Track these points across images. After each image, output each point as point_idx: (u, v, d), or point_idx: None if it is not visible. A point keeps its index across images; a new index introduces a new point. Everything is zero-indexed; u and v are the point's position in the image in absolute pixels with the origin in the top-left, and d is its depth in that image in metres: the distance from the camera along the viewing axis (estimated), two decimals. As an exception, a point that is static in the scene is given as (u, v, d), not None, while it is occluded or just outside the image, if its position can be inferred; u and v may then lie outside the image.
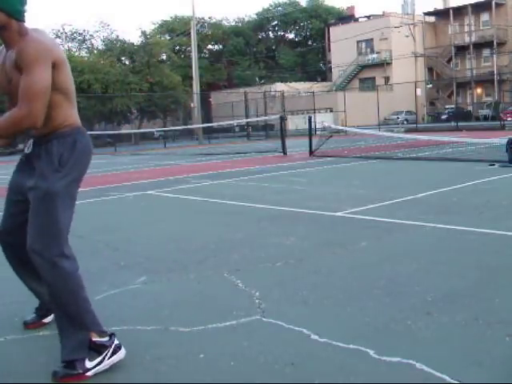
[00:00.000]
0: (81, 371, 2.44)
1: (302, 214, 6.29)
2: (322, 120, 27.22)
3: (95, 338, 2.54)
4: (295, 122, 41.60)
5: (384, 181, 9.28)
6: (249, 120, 34.38)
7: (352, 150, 16.73)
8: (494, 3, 45.50)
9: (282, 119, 18.37)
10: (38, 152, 2.59)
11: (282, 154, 16.57)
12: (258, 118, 32.82)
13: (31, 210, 2.54)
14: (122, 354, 2.57)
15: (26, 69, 2.41)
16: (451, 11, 48.69)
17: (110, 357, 2.53)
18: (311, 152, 15.39)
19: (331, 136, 16.85)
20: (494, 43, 45.63)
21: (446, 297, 3.21)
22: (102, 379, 2.42)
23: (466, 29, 47.92)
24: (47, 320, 3.08)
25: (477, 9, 46.92)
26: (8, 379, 2.48)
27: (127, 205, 8.04)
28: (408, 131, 28.04)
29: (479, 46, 46.99)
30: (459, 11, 48.07)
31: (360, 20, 54.15)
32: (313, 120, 18.59)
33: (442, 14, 50.29)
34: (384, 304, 3.15)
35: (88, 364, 2.48)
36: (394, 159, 13.18)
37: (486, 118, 38.46)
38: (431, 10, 52.61)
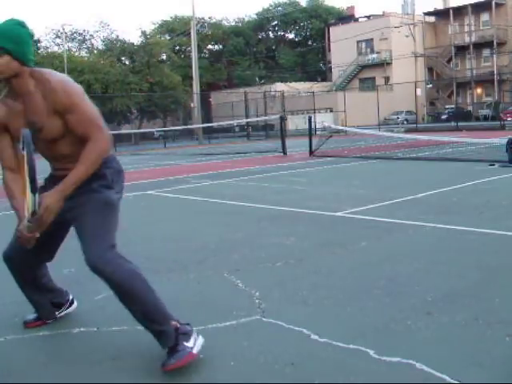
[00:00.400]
0: (187, 350, 2.46)
1: (302, 214, 6.29)
2: (322, 120, 27.24)
3: (178, 325, 2.54)
4: (295, 122, 41.60)
5: (384, 181, 9.28)
6: (249, 120, 34.37)
7: (352, 150, 16.73)
8: (493, 3, 45.49)
9: (282, 119, 18.37)
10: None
11: (282, 154, 16.57)
12: (258, 118, 32.82)
13: (84, 225, 2.58)
14: (201, 340, 2.57)
15: (75, 106, 2.46)
16: (451, 11, 48.68)
17: (197, 341, 2.54)
18: (311, 152, 15.39)
19: (331, 136, 16.86)
20: (494, 43, 45.62)
21: (446, 297, 3.21)
22: (102, 379, 2.42)
23: (466, 29, 47.92)
24: (49, 320, 3.09)
25: (477, 9, 46.92)
26: (8, 379, 2.48)
27: (127, 205, 8.03)
28: (408, 131, 28.04)
29: (479, 46, 46.99)
30: (459, 11, 48.07)
31: (360, 20, 54.14)
32: (313, 120, 18.59)
33: (442, 14, 50.29)
34: (384, 304, 3.15)
35: (188, 344, 2.49)
36: (394, 159, 13.18)
37: (486, 118, 38.45)
38: (431, 9, 52.64)
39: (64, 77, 2.55)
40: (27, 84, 2.49)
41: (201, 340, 2.58)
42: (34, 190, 2.32)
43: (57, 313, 3.13)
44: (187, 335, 2.53)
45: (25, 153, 2.28)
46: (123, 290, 2.53)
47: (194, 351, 2.49)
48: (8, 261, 2.85)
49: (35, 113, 2.49)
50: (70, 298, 3.25)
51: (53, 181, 2.67)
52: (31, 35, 2.50)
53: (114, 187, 2.66)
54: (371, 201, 6.78)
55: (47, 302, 3.05)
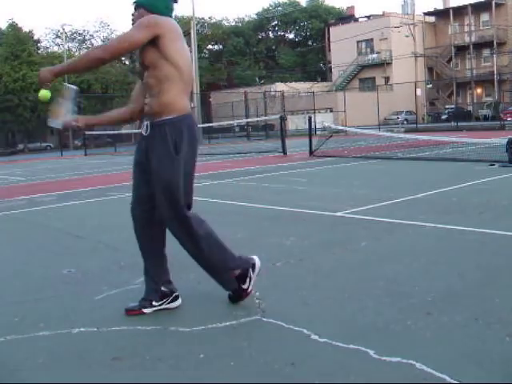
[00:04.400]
0: (244, 287, 3.20)
1: (302, 213, 6.29)
2: (322, 120, 27.24)
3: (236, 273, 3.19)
4: (295, 122, 41.60)
5: (384, 181, 9.27)
6: (249, 120, 34.38)
7: (352, 150, 16.73)
8: (493, 3, 45.50)
9: (282, 119, 18.36)
10: (152, 135, 3.02)
11: (282, 154, 16.57)
12: (258, 118, 32.81)
13: (155, 188, 3.03)
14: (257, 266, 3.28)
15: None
16: (451, 11, 48.70)
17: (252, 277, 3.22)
18: (311, 152, 15.39)
19: (331, 136, 16.85)
20: (494, 43, 45.64)
21: (446, 297, 3.21)
22: (103, 379, 2.42)
23: (466, 29, 47.93)
24: (147, 311, 3.17)
25: (477, 9, 46.93)
26: (8, 379, 2.48)
27: (127, 205, 8.02)
28: (408, 131, 28.03)
29: (479, 46, 47.00)
30: (459, 11, 48.08)
31: (360, 20, 54.16)
32: (313, 120, 18.59)
33: (441, 14, 50.29)
34: (384, 304, 3.15)
35: (244, 286, 3.18)
36: (394, 159, 13.18)
37: (486, 118, 38.43)
38: (431, 9, 52.65)
39: (148, 16, 2.98)
40: None
41: (257, 266, 3.27)
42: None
43: (156, 303, 3.19)
44: (243, 277, 3.18)
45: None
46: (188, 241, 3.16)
47: (249, 290, 3.21)
48: (131, 212, 3.39)
49: None
50: (177, 293, 3.29)
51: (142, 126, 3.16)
52: None
53: (178, 151, 2.96)
54: (371, 201, 6.78)
55: (159, 281, 3.22)
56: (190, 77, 3.06)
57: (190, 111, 3.09)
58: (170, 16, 3.07)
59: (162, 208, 3.06)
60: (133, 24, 3.03)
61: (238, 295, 3.22)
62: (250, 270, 3.22)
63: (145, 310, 3.15)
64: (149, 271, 3.22)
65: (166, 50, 2.92)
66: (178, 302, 3.25)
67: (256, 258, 3.30)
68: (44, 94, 3.04)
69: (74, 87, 3.20)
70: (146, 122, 3.09)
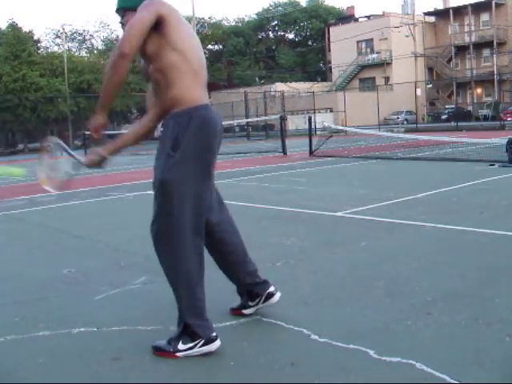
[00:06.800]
0: (171, 350, 2.57)
1: (302, 213, 6.29)
2: (322, 120, 27.22)
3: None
4: (295, 122, 41.58)
5: (384, 181, 9.27)
6: (249, 120, 34.36)
7: (352, 150, 16.72)
8: (493, 3, 45.48)
9: (282, 119, 18.36)
10: (162, 133, 2.68)
11: (282, 154, 16.57)
12: (258, 118, 32.81)
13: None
14: (214, 345, 2.58)
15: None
16: (451, 11, 48.68)
17: (202, 346, 2.57)
18: (311, 152, 15.39)
19: (331, 136, 16.84)
20: (494, 43, 45.62)
21: (446, 297, 3.21)
22: (103, 379, 2.42)
23: (466, 29, 47.91)
24: (248, 311, 3.06)
25: (477, 9, 46.91)
26: (8, 379, 2.48)
27: (127, 205, 8.04)
28: (408, 131, 28.03)
29: (479, 46, 46.98)
30: (459, 11, 48.07)
31: (360, 20, 54.15)
32: (313, 120, 18.59)
33: (442, 14, 50.28)
34: (384, 304, 3.15)
35: (180, 346, 2.57)
36: (394, 159, 13.18)
37: (486, 118, 38.42)
38: (431, 9, 52.63)
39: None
40: None
41: (206, 348, 2.57)
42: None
43: (250, 304, 3.04)
44: (192, 336, 2.58)
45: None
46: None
47: (178, 354, 2.57)
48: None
49: None
50: (271, 289, 3.04)
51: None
52: None
53: (175, 148, 2.53)
54: (371, 201, 6.78)
55: (242, 285, 3.04)
56: (200, 64, 2.66)
57: (205, 102, 2.65)
58: None
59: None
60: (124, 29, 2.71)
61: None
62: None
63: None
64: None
65: (169, 34, 2.56)
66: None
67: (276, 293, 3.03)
68: (18, 172, 2.80)
69: (54, 140, 2.99)
70: (159, 126, 2.80)
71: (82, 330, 3.01)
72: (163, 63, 2.57)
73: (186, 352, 2.56)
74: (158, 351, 2.62)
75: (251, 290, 3.01)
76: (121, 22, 2.78)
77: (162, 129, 2.69)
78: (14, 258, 4.97)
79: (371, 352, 2.50)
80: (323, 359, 2.48)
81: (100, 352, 2.70)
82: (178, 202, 2.56)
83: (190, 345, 2.56)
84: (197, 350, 2.56)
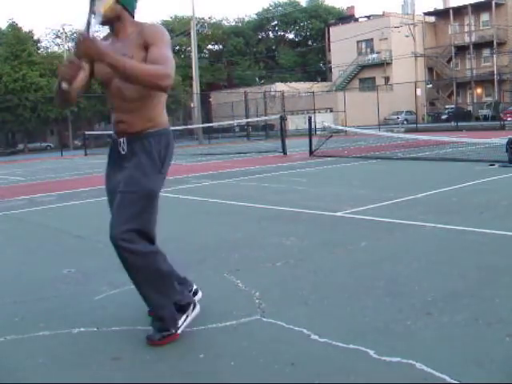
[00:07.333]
0: (174, 331, 2.76)
1: (302, 213, 6.29)
2: (322, 120, 27.22)
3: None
4: (295, 122, 41.59)
5: (384, 181, 9.27)
6: (249, 120, 34.36)
7: (352, 150, 16.72)
8: (493, 3, 45.48)
9: (282, 119, 18.36)
10: (131, 149, 2.73)
11: (282, 154, 16.57)
12: (258, 118, 32.80)
13: (123, 201, 2.68)
14: (197, 309, 2.93)
15: (158, 43, 2.61)
16: (451, 11, 48.68)
17: (193, 311, 2.89)
18: (311, 152, 15.39)
19: (331, 136, 16.84)
20: (494, 43, 45.62)
21: (446, 297, 3.21)
22: (103, 379, 2.42)
23: (466, 29, 47.92)
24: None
25: (477, 9, 46.91)
26: (8, 379, 2.48)
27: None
28: (408, 131, 28.03)
29: (479, 46, 46.99)
30: (459, 11, 48.07)
31: (360, 20, 54.15)
32: (313, 120, 18.59)
33: (442, 14, 50.28)
34: (384, 304, 3.15)
35: (179, 323, 2.79)
36: (394, 159, 13.18)
37: (486, 118, 38.42)
38: (431, 9, 52.62)
39: (162, 26, 2.76)
40: (127, 30, 2.72)
41: (196, 311, 2.90)
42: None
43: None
44: (181, 312, 2.81)
45: None
46: (142, 272, 2.73)
47: (179, 331, 2.77)
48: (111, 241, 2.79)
49: (128, 47, 2.65)
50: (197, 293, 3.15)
51: (114, 143, 2.83)
52: None
53: (162, 169, 2.74)
54: (371, 201, 6.78)
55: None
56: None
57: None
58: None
59: (123, 219, 2.66)
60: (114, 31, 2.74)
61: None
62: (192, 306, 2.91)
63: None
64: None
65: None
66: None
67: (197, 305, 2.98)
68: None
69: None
70: (120, 139, 2.76)
71: (82, 329, 3.01)
72: (146, 89, 2.63)
73: (185, 323, 2.82)
74: (154, 341, 2.70)
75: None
76: (92, 12, 2.60)
77: (124, 145, 2.75)
78: (14, 258, 4.97)
79: (371, 352, 2.50)
80: (323, 359, 2.48)
81: (100, 352, 2.70)
82: (156, 202, 2.77)
83: (185, 316, 2.82)
84: (191, 316, 2.87)
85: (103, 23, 2.70)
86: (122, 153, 2.76)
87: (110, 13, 2.66)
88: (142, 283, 2.75)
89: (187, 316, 2.84)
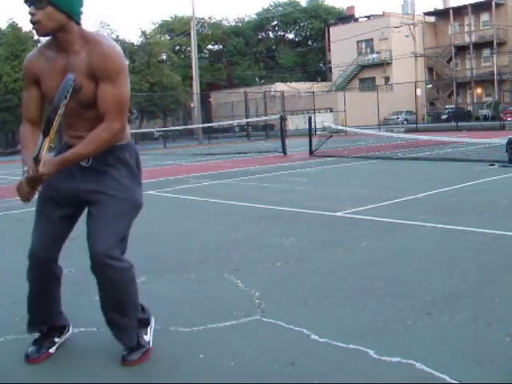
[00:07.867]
0: (147, 346, 2.64)
1: (302, 213, 6.29)
2: (322, 120, 27.22)
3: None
4: (295, 122, 41.58)
5: (384, 181, 9.28)
6: (249, 120, 34.34)
7: (352, 150, 16.73)
8: (493, 3, 45.47)
9: (282, 119, 18.36)
10: (103, 161, 2.47)
11: (282, 154, 16.57)
12: (258, 118, 32.77)
13: (110, 212, 2.47)
14: (153, 320, 2.83)
15: (113, 79, 2.33)
16: (451, 11, 48.67)
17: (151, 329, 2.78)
18: (311, 152, 15.40)
19: (331, 136, 16.85)
20: (494, 43, 45.61)
21: (446, 297, 3.21)
22: (103, 379, 2.42)
23: (466, 29, 47.90)
24: (52, 350, 2.70)
25: (477, 9, 46.90)
26: (8, 379, 2.48)
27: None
28: (408, 131, 28.03)
29: (479, 45, 46.98)
30: (459, 11, 48.06)
31: (360, 20, 54.14)
32: (313, 120, 18.59)
33: (442, 14, 50.27)
34: (384, 304, 3.15)
35: (146, 337, 2.68)
36: (394, 159, 13.18)
37: (486, 118, 38.42)
38: (431, 9, 52.61)
39: (117, 46, 2.40)
40: (74, 42, 2.36)
41: (152, 323, 2.79)
42: (45, 132, 2.27)
43: (55, 341, 2.74)
44: (146, 326, 2.72)
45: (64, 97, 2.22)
46: (119, 289, 2.56)
47: (150, 345, 2.67)
48: (32, 257, 2.58)
49: (77, 71, 2.32)
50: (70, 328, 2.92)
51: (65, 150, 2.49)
52: None
53: (139, 175, 2.61)
54: (371, 201, 6.78)
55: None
56: None
57: None
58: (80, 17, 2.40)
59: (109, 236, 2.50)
60: (36, 28, 2.32)
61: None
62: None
63: None
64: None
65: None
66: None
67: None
68: None
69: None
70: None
71: (82, 330, 3.01)
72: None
73: (151, 336, 2.72)
74: (135, 361, 2.53)
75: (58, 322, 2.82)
76: (32, 14, 2.29)
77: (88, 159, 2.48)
78: (14, 258, 4.97)
79: (371, 352, 2.50)
80: (323, 359, 2.48)
81: (100, 352, 2.70)
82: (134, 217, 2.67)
83: (148, 329, 2.73)
84: (153, 328, 2.78)
85: (45, 35, 2.37)
86: (84, 165, 2.46)
87: (51, 23, 2.28)
88: (118, 302, 2.57)
89: (151, 328, 2.76)
